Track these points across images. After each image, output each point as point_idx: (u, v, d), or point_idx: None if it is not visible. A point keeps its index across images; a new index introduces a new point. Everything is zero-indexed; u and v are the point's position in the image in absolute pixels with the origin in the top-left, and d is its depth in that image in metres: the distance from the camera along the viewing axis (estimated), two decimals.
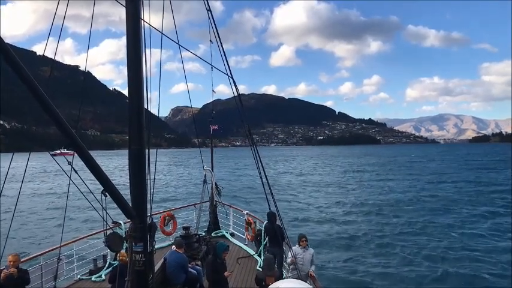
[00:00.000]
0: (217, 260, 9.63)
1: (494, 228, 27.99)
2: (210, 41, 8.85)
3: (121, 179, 62.48)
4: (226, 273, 9.74)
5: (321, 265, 19.84)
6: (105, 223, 5.70)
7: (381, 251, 22.78)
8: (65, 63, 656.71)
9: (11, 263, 8.97)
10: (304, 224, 30.09)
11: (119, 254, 9.67)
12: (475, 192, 47.18)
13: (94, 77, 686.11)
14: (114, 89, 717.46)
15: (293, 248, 10.83)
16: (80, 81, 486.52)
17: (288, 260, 10.59)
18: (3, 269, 8.87)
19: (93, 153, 4.70)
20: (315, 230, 28.14)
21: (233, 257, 13.55)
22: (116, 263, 12.34)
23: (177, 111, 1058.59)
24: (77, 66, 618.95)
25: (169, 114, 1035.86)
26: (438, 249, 22.90)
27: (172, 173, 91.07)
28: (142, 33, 5.60)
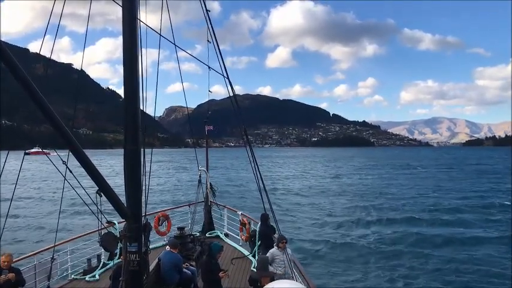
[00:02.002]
0: (212, 260, 9.63)
1: None
2: (208, 40, 8.86)
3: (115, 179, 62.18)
4: (221, 274, 9.74)
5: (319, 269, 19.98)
6: (99, 223, 5.68)
7: (386, 262, 21.76)
8: (59, 61, 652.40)
9: (5, 263, 8.91)
10: (301, 227, 30.01)
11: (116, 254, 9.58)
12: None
13: (87, 75, 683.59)
14: (108, 87, 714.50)
15: (272, 250, 10.79)
16: (73, 79, 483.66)
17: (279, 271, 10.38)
18: None
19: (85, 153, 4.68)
20: (313, 233, 27.95)
21: (227, 258, 13.54)
22: (110, 262, 12.31)
23: (171, 111, 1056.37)
24: (70, 64, 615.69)
25: (163, 114, 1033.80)
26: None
27: (166, 173, 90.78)
28: (139, 33, 5.61)
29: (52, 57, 6.06)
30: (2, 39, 3.74)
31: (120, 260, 9.50)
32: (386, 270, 20.26)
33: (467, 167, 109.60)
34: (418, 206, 39.84)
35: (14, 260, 9.49)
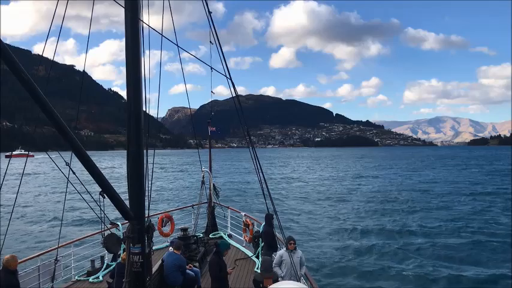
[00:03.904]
0: (220, 257, 9.76)
1: None
2: (210, 42, 8.87)
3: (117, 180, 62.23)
4: (229, 270, 9.85)
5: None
6: (102, 224, 5.68)
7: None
8: (60, 62, 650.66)
9: (16, 263, 9.00)
10: (307, 231, 29.25)
11: (119, 255, 9.61)
12: None
13: (89, 77, 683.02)
14: (110, 88, 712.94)
15: (280, 251, 10.76)
16: (75, 81, 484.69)
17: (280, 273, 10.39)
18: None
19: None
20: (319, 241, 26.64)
21: (231, 259, 13.52)
22: (114, 264, 12.33)
23: (173, 111, 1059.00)
24: (72, 66, 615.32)
25: (166, 115, 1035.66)
26: None
27: (169, 174, 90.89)
28: (141, 35, 5.60)
29: (56, 59, 6.08)
30: (7, 41, 3.74)
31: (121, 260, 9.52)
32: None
33: (486, 167, 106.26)
34: (453, 213, 36.34)
35: (18, 262, 9.52)
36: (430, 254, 23.27)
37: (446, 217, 34.56)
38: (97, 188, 4.91)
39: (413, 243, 25.65)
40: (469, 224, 31.17)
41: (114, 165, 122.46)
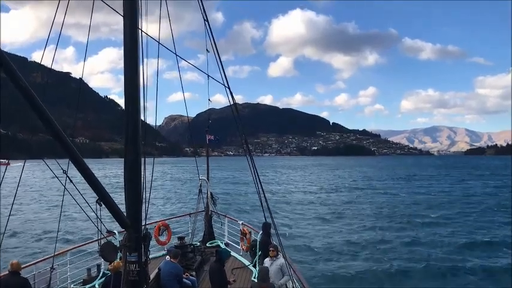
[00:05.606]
0: (222, 264, 9.81)
1: None
2: (207, 50, 8.92)
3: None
4: (231, 279, 9.89)
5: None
6: (99, 232, 5.66)
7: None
8: (59, 70, 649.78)
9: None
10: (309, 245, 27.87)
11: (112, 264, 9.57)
12: None
13: (86, 84, 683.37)
14: (106, 96, 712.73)
15: (265, 259, 10.93)
16: (70, 88, 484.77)
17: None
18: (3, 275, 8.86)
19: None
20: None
21: (228, 268, 13.45)
22: (109, 273, 12.27)
23: (170, 119, 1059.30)
24: (68, 73, 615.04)
25: (162, 123, 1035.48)
26: None
27: (166, 183, 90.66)
28: (140, 43, 5.61)
29: (55, 67, 6.10)
30: (6, 49, 3.75)
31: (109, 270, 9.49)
32: None
33: (501, 178, 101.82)
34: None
35: None
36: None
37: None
38: (94, 196, 4.90)
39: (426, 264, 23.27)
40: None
41: (106, 174, 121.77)
